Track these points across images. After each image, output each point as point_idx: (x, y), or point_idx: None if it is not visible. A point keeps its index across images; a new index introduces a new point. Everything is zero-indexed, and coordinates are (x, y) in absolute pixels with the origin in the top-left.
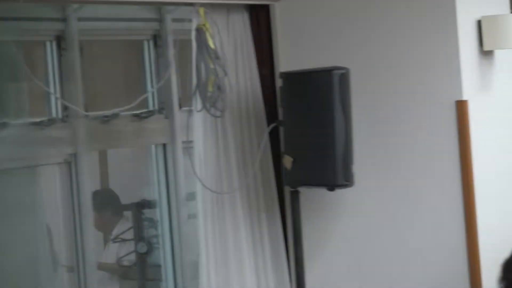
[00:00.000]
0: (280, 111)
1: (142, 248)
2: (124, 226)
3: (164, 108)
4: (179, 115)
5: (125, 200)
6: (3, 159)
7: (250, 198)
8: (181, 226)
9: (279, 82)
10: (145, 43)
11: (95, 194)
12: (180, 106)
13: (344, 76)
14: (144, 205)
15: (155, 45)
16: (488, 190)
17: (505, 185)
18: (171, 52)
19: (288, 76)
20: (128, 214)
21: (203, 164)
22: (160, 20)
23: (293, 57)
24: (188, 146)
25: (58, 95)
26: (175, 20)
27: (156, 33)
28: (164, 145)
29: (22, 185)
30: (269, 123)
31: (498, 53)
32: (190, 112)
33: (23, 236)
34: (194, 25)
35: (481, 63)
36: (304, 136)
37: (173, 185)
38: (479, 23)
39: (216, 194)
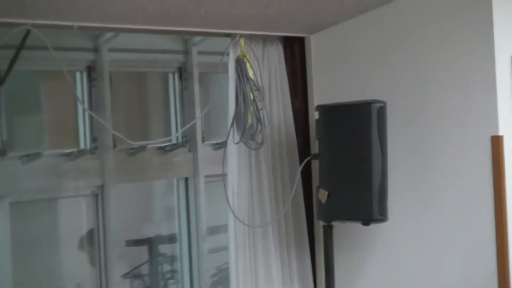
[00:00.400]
0: (315, 144)
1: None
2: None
3: (188, 142)
4: (202, 149)
5: (138, 234)
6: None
7: (280, 232)
8: (201, 261)
9: (315, 115)
10: (171, 75)
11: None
12: (203, 140)
13: (382, 110)
14: (161, 240)
15: (180, 77)
16: None
17: None
18: (212, 85)
19: (325, 109)
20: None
21: (236, 197)
22: (186, 53)
23: (327, 90)
24: (211, 180)
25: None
26: (200, 53)
27: (181, 65)
28: (187, 179)
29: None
30: (301, 157)
31: None
32: (224, 144)
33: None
34: (231, 57)
35: None
36: (340, 170)
37: (194, 219)
38: None
39: (248, 227)
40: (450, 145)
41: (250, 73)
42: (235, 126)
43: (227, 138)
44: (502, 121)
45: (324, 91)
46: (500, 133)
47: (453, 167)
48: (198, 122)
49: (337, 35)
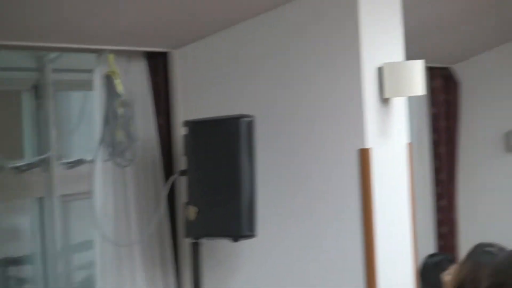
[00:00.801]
0: (182, 160)
1: None
2: None
3: (42, 161)
4: (56, 168)
5: None
6: None
7: (146, 250)
8: (58, 282)
9: (182, 131)
10: (24, 93)
11: None
12: (58, 159)
13: (250, 124)
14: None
15: (35, 95)
16: (388, 234)
17: (403, 230)
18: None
19: (193, 125)
20: None
21: (103, 215)
22: (40, 70)
23: (194, 106)
24: (68, 199)
25: None
26: (56, 70)
27: (35, 83)
28: (41, 198)
29: None
30: (166, 174)
31: (393, 100)
32: (92, 161)
33: None
34: (97, 73)
35: (381, 111)
36: (208, 186)
37: (49, 239)
38: (379, 70)
39: (115, 245)
40: (319, 158)
41: (120, 89)
42: (103, 143)
43: (95, 155)
44: (369, 133)
45: (191, 106)
46: (368, 146)
47: (322, 181)
48: (53, 140)
49: (202, 49)
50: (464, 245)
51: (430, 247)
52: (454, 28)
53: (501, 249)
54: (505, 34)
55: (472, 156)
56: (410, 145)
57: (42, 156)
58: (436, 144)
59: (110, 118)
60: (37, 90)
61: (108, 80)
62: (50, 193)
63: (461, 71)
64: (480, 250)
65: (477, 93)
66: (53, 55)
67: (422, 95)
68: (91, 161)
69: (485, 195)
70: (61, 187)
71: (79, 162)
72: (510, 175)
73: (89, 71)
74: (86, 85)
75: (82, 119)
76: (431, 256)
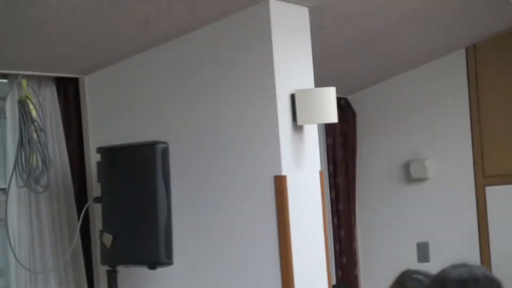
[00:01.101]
0: (97, 187)
1: None
2: None
3: None
4: None
5: None
6: None
7: (62, 278)
8: None
9: (96, 157)
10: None
11: None
12: None
13: (166, 150)
14: None
15: None
16: (304, 262)
17: (318, 258)
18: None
19: (107, 151)
20: None
21: (17, 242)
22: None
23: (106, 132)
24: None
25: None
26: None
27: None
28: None
29: None
30: (79, 200)
31: (306, 128)
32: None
33: None
34: (9, 98)
35: (294, 138)
36: (124, 213)
37: None
38: (292, 96)
39: (30, 272)
40: (234, 185)
41: (34, 114)
42: (17, 169)
43: (9, 182)
44: (284, 160)
45: (102, 132)
46: (283, 173)
47: (239, 208)
48: None
49: (113, 75)
50: (365, 275)
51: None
52: (350, 57)
53: (427, 275)
54: (397, 67)
55: (371, 186)
56: (322, 173)
57: None
58: (333, 175)
59: (24, 143)
60: None
61: (22, 105)
62: None
63: (356, 101)
64: (408, 277)
65: (373, 124)
66: None
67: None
68: (4, 188)
69: (385, 224)
70: None
71: None
72: (410, 205)
73: None
74: None
75: None
76: (333, 287)
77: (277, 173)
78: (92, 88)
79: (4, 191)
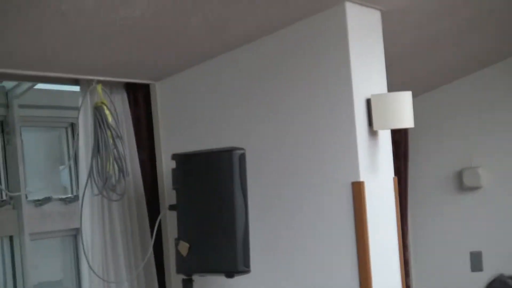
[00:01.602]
0: (169, 194)
1: None
2: None
3: (12, 198)
4: (26, 206)
5: None
6: None
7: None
8: None
9: (170, 164)
10: None
11: None
12: (27, 197)
13: (243, 157)
14: None
15: (2, 131)
16: (381, 269)
17: (394, 264)
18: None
19: (182, 158)
20: None
21: (90, 252)
22: (7, 106)
23: (177, 138)
24: (36, 238)
25: None
26: (22, 106)
27: (3, 119)
28: (11, 237)
29: None
30: (150, 208)
31: (380, 133)
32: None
33: None
34: (83, 104)
35: (370, 144)
36: (200, 220)
37: (20, 278)
38: (367, 101)
39: (104, 281)
40: (311, 192)
41: (109, 120)
42: (93, 177)
43: (84, 190)
44: (361, 166)
45: (174, 140)
46: (361, 179)
47: (315, 215)
48: (22, 178)
49: (184, 81)
50: (417, 285)
51: None
52: (412, 61)
53: None
54: (452, 72)
55: (423, 195)
56: (395, 179)
57: (13, 194)
58: None
59: (101, 150)
60: (4, 125)
61: (98, 111)
62: (20, 231)
63: None
64: (502, 283)
65: (426, 131)
66: (18, 91)
67: None
68: (77, 196)
69: (438, 234)
70: (30, 225)
71: (47, 200)
72: (462, 214)
73: (57, 107)
74: (53, 121)
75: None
76: None
77: (354, 179)
78: (163, 94)
79: (76, 199)
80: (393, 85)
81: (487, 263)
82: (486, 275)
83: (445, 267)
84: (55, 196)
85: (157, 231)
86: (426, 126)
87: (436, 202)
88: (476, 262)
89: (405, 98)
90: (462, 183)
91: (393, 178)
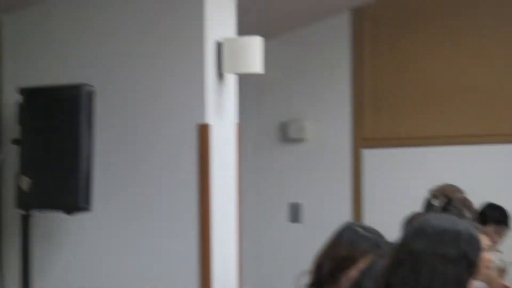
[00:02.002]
0: (18, 129)
1: None
2: None
3: None
4: None
5: None
6: None
7: None
8: None
9: (17, 98)
10: None
11: None
12: None
13: (91, 94)
14: None
15: None
16: (221, 213)
17: (232, 212)
18: None
19: (29, 92)
20: None
21: None
22: None
23: (26, 73)
24: None
25: None
26: None
27: None
28: None
29: None
30: None
31: (228, 77)
32: None
33: None
34: None
35: (218, 87)
36: (44, 156)
37: None
38: (219, 45)
39: None
40: (159, 134)
41: None
42: None
43: None
44: (209, 109)
45: (21, 74)
46: (207, 122)
47: (161, 156)
48: None
49: (37, 15)
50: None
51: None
52: None
53: (367, 228)
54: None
55: (247, 145)
56: (239, 125)
57: None
58: None
59: None
60: None
61: None
62: None
63: None
64: (352, 231)
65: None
66: None
67: None
68: None
69: (259, 184)
70: None
71: None
72: (285, 165)
73: None
74: None
75: None
76: None
77: (201, 122)
78: (11, 27)
79: None
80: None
81: (306, 215)
82: (304, 227)
83: (266, 216)
84: None
85: None
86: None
87: (260, 153)
88: (294, 213)
89: (256, 43)
90: (286, 134)
91: (236, 124)
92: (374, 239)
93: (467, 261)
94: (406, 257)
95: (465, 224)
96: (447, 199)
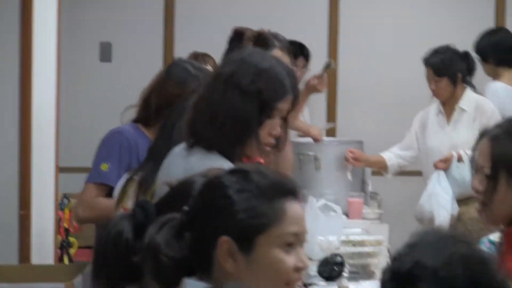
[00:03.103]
0: None
1: None
2: None
3: None
4: None
5: None
6: None
7: None
8: None
9: None
10: None
11: None
12: None
13: None
14: None
15: None
16: None
17: None
18: None
19: None
20: None
21: None
22: None
23: None
24: None
25: None
26: None
27: None
28: None
29: None
30: None
31: None
32: None
33: None
34: None
35: None
36: None
37: None
38: None
39: None
40: None
41: None
42: None
43: None
44: None
45: None
46: None
47: None
48: None
49: None
50: None
51: None
52: None
53: (198, 67)
54: None
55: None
56: None
57: None
58: None
59: None
60: None
61: None
62: None
63: None
64: (181, 67)
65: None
66: None
67: None
68: None
69: None
70: None
71: None
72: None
73: None
74: None
75: None
76: None
77: None
78: None
79: None
80: None
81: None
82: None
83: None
84: None
85: None
86: None
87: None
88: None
89: None
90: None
91: None
92: (204, 78)
93: (261, 100)
94: (209, 81)
95: (274, 64)
96: None
